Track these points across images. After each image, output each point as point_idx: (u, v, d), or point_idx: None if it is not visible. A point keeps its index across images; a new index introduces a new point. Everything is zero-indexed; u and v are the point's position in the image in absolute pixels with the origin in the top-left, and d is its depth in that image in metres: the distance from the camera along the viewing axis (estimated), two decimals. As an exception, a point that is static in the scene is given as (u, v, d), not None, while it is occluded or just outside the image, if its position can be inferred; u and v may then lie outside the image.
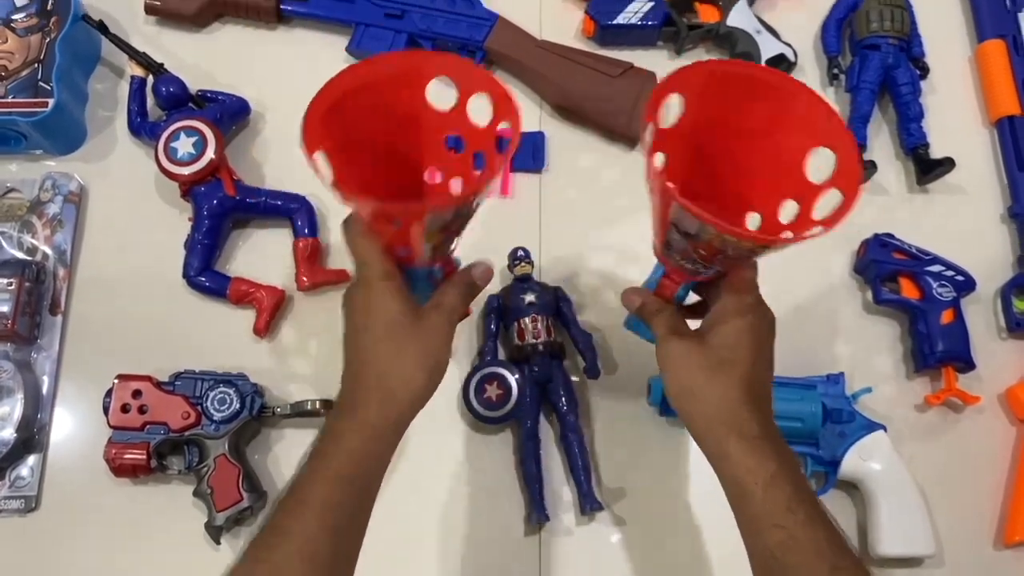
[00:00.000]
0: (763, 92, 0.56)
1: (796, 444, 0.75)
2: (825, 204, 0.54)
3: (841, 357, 0.81)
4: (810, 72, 0.93)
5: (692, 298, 0.65)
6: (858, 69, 0.90)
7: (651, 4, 0.90)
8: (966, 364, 0.80)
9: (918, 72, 0.90)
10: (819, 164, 0.55)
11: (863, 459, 0.75)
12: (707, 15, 0.92)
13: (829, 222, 0.52)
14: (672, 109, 0.56)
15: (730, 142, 0.58)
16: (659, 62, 0.91)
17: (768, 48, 0.90)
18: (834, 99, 0.92)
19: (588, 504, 0.75)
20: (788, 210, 0.57)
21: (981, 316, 0.84)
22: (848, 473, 0.75)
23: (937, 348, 0.79)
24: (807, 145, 0.56)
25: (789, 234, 0.56)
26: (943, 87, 0.93)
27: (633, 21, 0.90)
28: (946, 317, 0.80)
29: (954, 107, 0.92)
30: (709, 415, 0.57)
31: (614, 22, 0.90)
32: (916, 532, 0.74)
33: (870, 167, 0.86)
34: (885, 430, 0.76)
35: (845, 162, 0.54)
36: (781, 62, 0.90)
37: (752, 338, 0.58)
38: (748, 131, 0.57)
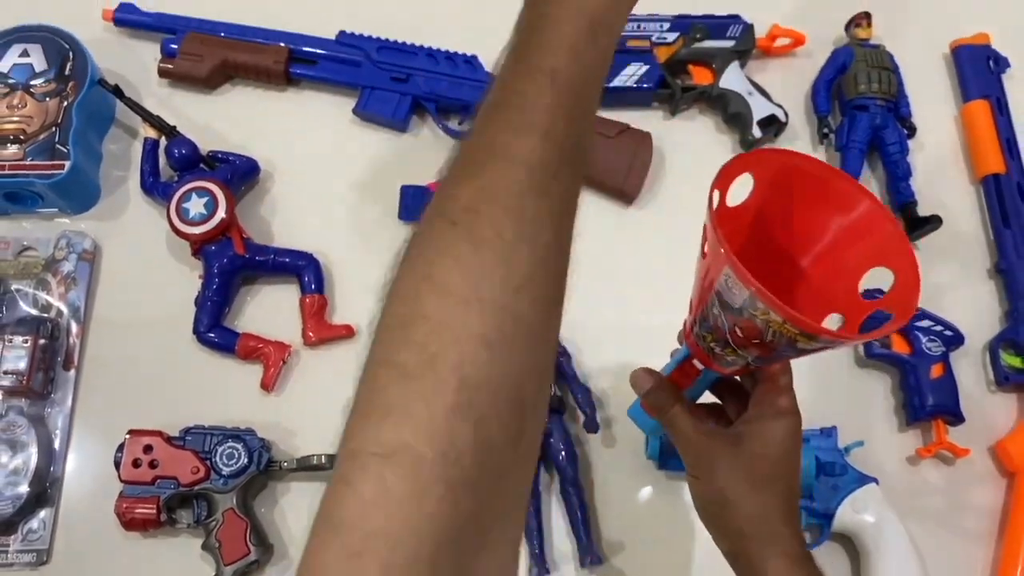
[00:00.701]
0: (832, 197, 0.54)
1: (790, 497, 0.77)
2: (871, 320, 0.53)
3: (834, 410, 0.83)
4: (801, 131, 0.96)
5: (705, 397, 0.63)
6: (847, 129, 0.92)
7: (646, 67, 0.93)
8: (955, 417, 0.82)
9: (906, 132, 0.93)
10: (876, 283, 0.54)
11: (856, 512, 0.77)
12: (700, 77, 0.95)
13: (877, 334, 0.51)
14: (743, 188, 0.54)
15: (789, 240, 0.56)
16: (654, 123, 0.94)
17: (760, 109, 0.93)
18: (824, 158, 0.95)
19: (588, 557, 0.76)
20: (831, 322, 0.55)
21: (970, 370, 0.86)
22: (842, 526, 0.77)
23: (927, 402, 0.81)
24: (867, 262, 0.54)
25: (835, 321, 0.54)
26: (930, 146, 0.95)
27: (629, 84, 0.93)
28: (936, 371, 0.82)
29: (941, 165, 0.95)
30: (746, 529, 0.55)
31: (611, 85, 0.93)
32: (910, 584, 0.76)
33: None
34: (877, 483, 0.78)
35: (903, 284, 0.52)
36: (772, 122, 0.93)
37: (795, 445, 0.56)
38: (809, 233, 0.56)
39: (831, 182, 0.55)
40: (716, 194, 0.51)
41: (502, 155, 0.41)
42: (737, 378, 0.62)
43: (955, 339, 0.84)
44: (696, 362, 0.59)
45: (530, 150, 0.41)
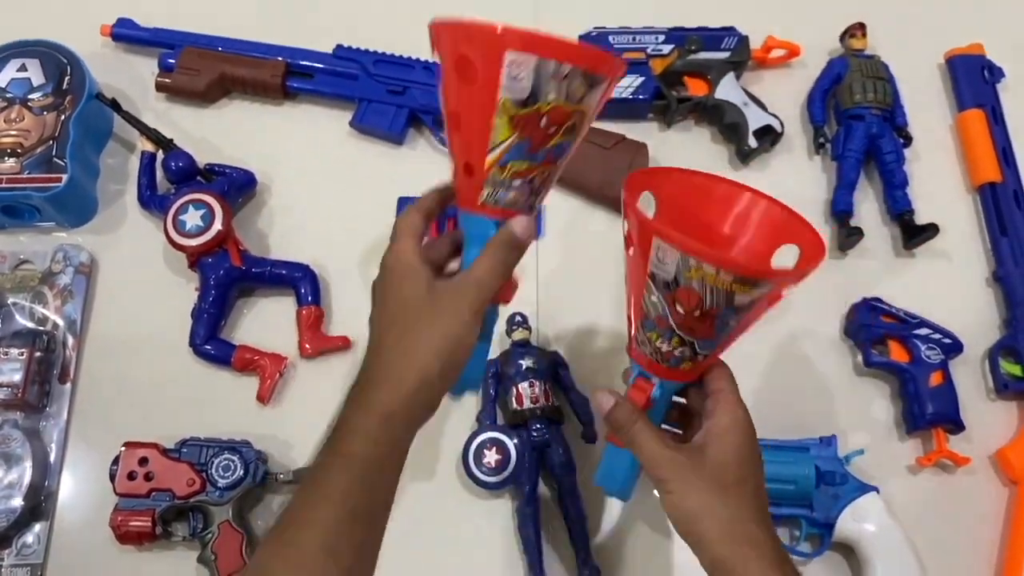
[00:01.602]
0: (720, 201, 0.60)
1: (790, 506, 0.76)
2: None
3: (833, 419, 0.83)
4: (797, 142, 0.96)
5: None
6: (843, 138, 0.93)
7: (642, 79, 0.94)
8: (956, 426, 0.81)
9: (902, 141, 0.93)
10: (785, 257, 0.58)
11: (857, 521, 0.76)
12: (696, 88, 0.95)
13: (802, 269, 0.54)
14: (647, 208, 0.58)
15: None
16: (650, 134, 0.94)
17: (755, 119, 0.93)
18: (821, 167, 0.95)
19: (586, 569, 0.75)
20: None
21: (970, 378, 0.85)
22: (842, 535, 0.76)
23: (927, 410, 0.81)
24: (771, 245, 0.59)
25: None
26: (926, 155, 0.96)
27: (625, 95, 0.93)
28: (935, 379, 0.82)
29: (937, 174, 0.95)
30: (723, 536, 0.54)
31: (606, 96, 0.93)
32: (912, 593, 0.75)
33: (856, 234, 0.88)
34: (878, 492, 0.77)
35: (809, 250, 0.56)
36: (768, 132, 0.93)
37: (752, 449, 0.57)
38: (716, 239, 0.60)
39: (714, 187, 0.60)
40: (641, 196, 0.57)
41: (299, 521, 0.53)
42: (686, 401, 0.62)
43: (954, 347, 0.84)
44: (649, 377, 0.60)
45: (324, 517, 0.52)
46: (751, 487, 0.56)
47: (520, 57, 0.51)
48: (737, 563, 0.54)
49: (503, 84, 0.52)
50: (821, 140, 0.94)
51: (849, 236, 0.89)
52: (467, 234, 0.59)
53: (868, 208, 0.93)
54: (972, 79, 0.98)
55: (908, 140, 0.94)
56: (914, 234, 0.89)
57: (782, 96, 0.97)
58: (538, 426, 0.78)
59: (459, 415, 0.82)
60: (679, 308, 0.54)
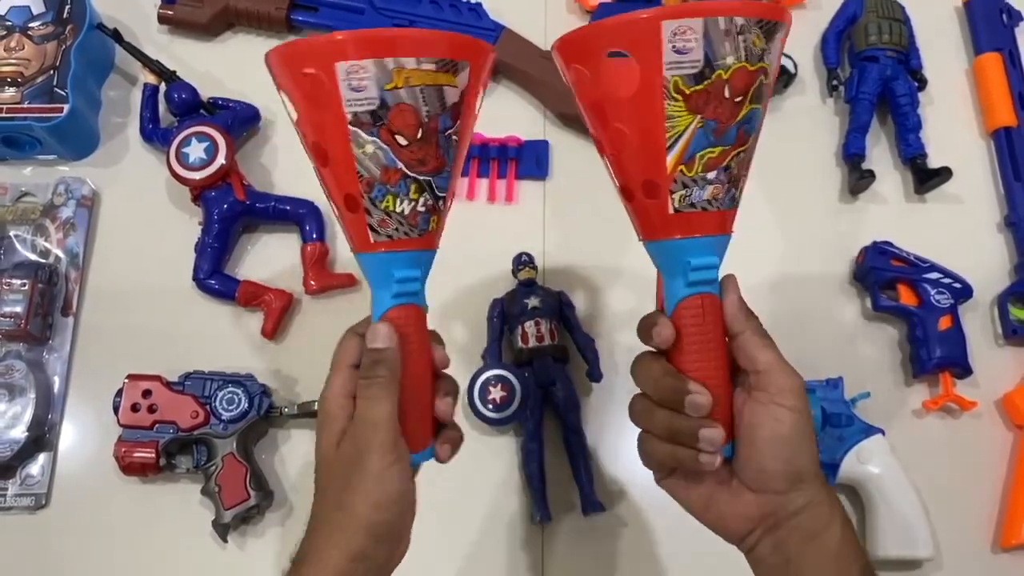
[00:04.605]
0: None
1: (795, 447, 0.76)
2: None
3: (840, 362, 0.82)
4: (809, 83, 0.95)
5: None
6: (857, 80, 0.91)
7: (654, 16, 0.92)
8: (963, 370, 0.81)
9: (916, 84, 0.92)
10: None
11: (861, 462, 0.76)
12: (709, 27, 0.93)
13: None
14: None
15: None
16: (661, 73, 0.93)
17: (769, 60, 0.91)
18: (833, 110, 0.94)
19: (589, 506, 0.75)
20: None
21: (978, 323, 0.85)
22: (847, 476, 0.76)
23: (935, 354, 0.80)
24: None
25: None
26: (941, 99, 0.94)
27: (636, 33, 0.91)
28: (944, 323, 0.81)
29: (951, 118, 0.94)
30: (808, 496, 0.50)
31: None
32: (915, 534, 0.75)
33: (868, 177, 0.87)
34: (883, 434, 0.77)
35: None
36: (782, 74, 0.91)
37: (799, 440, 0.51)
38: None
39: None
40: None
41: None
42: None
43: (963, 291, 0.83)
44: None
45: None
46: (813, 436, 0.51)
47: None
48: (822, 525, 0.50)
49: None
50: (835, 82, 0.93)
51: (861, 179, 0.87)
52: (369, 280, 0.54)
53: (880, 152, 0.92)
54: (990, 22, 0.96)
55: (922, 83, 0.93)
56: (926, 178, 0.88)
57: (795, 37, 0.93)
58: (543, 364, 0.78)
59: (464, 353, 0.82)
60: (729, 93, 0.47)
